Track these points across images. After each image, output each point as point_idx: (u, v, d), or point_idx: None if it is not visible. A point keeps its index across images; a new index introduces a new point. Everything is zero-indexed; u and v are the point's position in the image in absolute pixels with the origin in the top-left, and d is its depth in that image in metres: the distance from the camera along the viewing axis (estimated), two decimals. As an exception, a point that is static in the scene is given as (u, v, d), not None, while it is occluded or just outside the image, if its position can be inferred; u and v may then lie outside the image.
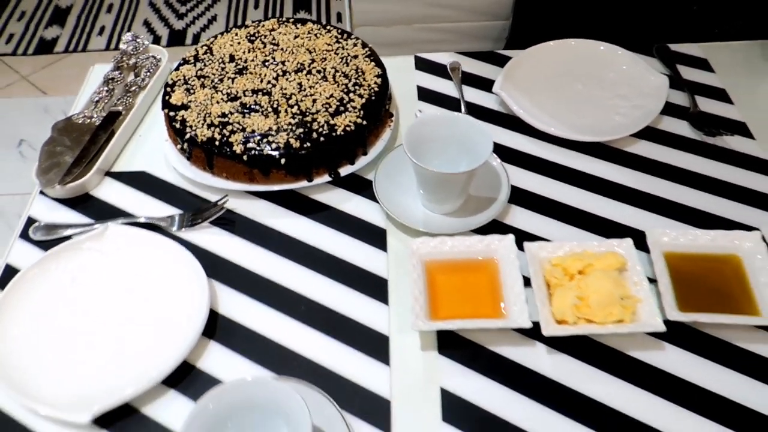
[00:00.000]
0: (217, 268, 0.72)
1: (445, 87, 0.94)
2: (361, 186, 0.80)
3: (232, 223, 0.77)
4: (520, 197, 0.78)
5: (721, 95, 0.89)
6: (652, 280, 0.66)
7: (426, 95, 0.92)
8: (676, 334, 0.64)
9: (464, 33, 1.21)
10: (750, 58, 0.95)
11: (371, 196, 0.77)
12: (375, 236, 0.74)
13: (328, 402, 0.58)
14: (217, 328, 0.67)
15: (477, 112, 0.89)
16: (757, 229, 0.68)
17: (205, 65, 0.86)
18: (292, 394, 0.50)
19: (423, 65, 0.97)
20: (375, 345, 0.65)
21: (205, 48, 0.89)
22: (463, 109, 0.89)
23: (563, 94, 0.90)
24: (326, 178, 0.79)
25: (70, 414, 0.58)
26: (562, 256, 0.66)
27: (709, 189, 0.78)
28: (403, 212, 0.75)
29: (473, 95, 0.92)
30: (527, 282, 0.65)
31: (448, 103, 0.91)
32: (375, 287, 0.69)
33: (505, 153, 0.83)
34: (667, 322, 0.62)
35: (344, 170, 0.80)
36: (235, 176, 0.78)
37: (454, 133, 0.73)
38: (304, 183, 0.78)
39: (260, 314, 0.68)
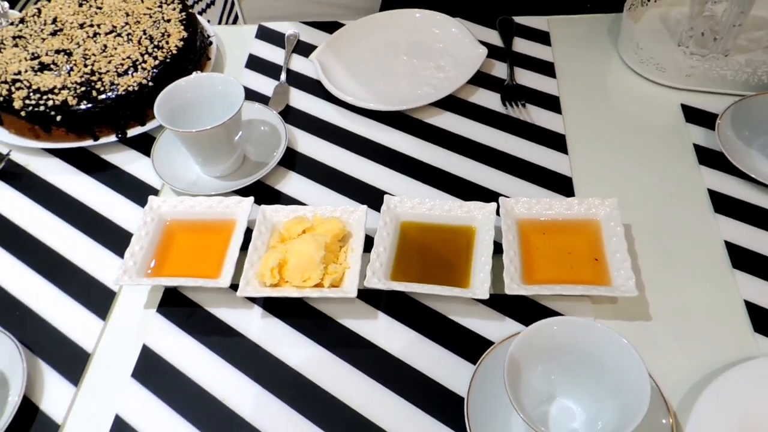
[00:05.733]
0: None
1: (277, 56, 0.92)
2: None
3: (18, 177, 0.78)
4: (302, 163, 0.77)
5: (548, 69, 0.85)
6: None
7: (254, 62, 0.92)
8: (393, 304, 0.62)
9: (346, 6, 1.19)
10: (594, 31, 0.90)
11: (157, 157, 0.78)
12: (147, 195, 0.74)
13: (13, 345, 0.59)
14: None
15: (297, 79, 0.88)
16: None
17: (26, 26, 0.88)
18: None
19: (264, 35, 0.96)
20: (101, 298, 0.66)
21: (35, 10, 0.91)
22: (282, 76, 0.88)
23: (383, 64, 0.88)
24: (113, 137, 0.79)
25: None
26: (293, 221, 0.65)
27: (485, 158, 0.75)
28: (174, 175, 0.75)
29: (300, 64, 0.91)
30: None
31: (272, 70, 0.90)
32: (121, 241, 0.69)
33: (305, 120, 0.82)
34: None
35: (133, 131, 0.80)
36: (21, 132, 0.79)
37: (209, 94, 0.72)
38: (89, 141, 0.79)
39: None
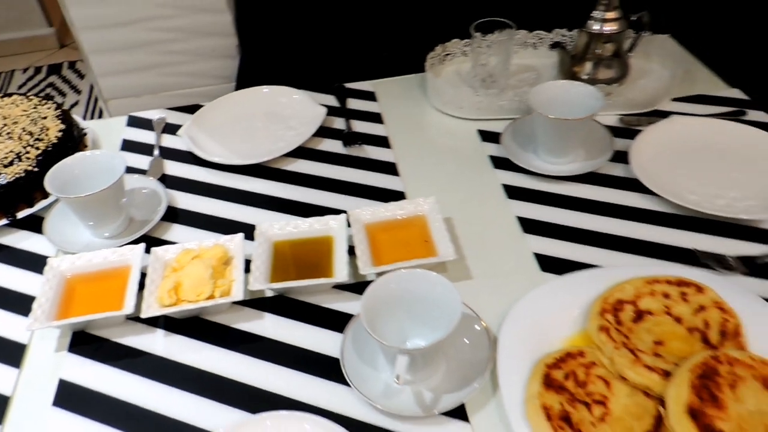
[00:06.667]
0: None
1: (149, 137, 1.07)
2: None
3: None
4: (184, 216, 0.90)
5: (377, 118, 1.07)
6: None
7: (129, 145, 1.05)
8: (275, 305, 0.76)
9: (204, 95, 1.37)
10: (408, 87, 1.15)
11: (47, 232, 0.87)
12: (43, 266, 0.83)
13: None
14: None
15: (170, 153, 1.03)
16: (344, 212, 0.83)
17: None
18: None
19: (134, 122, 1.10)
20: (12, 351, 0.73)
21: None
22: (156, 152, 1.02)
23: (243, 129, 1.06)
24: (4, 221, 0.88)
25: None
26: (182, 253, 0.78)
27: (335, 189, 0.93)
28: (66, 241, 0.85)
29: (170, 140, 1.06)
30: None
31: (146, 149, 1.04)
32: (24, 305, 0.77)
33: (181, 183, 0.96)
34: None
35: (23, 213, 0.89)
36: None
37: (93, 168, 0.85)
38: (-20, 228, 0.87)
39: None
